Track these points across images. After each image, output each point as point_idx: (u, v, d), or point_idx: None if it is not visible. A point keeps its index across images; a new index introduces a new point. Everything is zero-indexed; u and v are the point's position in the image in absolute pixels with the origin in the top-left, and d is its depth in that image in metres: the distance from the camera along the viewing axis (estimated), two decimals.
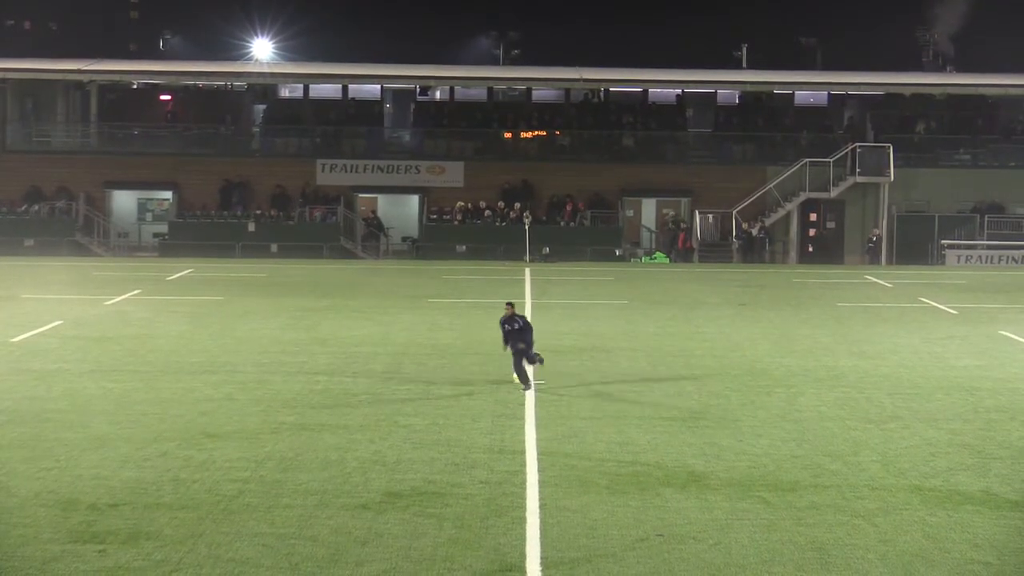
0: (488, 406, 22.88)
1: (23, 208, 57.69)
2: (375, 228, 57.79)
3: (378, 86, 63.81)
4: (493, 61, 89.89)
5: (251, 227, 56.87)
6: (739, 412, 22.69)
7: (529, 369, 24.94)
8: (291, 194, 58.38)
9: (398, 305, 38.12)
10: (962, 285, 46.64)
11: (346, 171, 59.20)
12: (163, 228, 58.09)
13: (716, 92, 64.70)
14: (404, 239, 58.52)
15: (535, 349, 25.08)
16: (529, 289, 43.28)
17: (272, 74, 63.26)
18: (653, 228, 59.79)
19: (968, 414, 22.86)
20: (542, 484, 17.48)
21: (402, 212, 59.25)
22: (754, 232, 57.54)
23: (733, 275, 50.02)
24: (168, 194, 59.48)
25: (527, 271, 49.91)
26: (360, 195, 59.49)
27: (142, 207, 60.10)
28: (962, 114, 63.19)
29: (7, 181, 58.29)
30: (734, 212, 57.43)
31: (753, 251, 57.37)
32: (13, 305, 37.00)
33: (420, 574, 13.84)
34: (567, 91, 64.25)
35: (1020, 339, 32.31)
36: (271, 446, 19.59)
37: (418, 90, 64.75)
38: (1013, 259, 57.07)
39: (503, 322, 24.95)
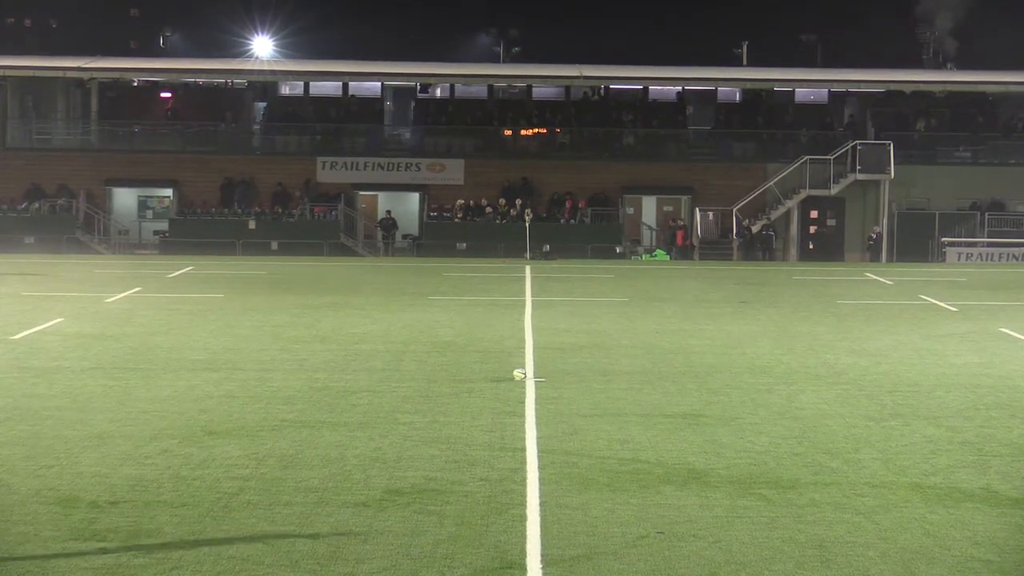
0: (488, 403, 22.88)
1: (23, 206, 57.75)
2: (388, 229, 57.83)
3: (379, 83, 63.84)
4: (493, 59, 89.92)
5: (252, 224, 56.92)
6: (739, 409, 22.69)
7: None
8: (291, 191, 58.42)
9: (398, 302, 38.12)
10: (962, 282, 46.64)
11: (347, 169, 59.26)
12: (164, 226, 58.16)
13: (716, 89, 64.73)
14: (404, 236, 58.58)
15: None
16: (529, 287, 43.29)
17: (272, 71, 63.28)
18: (653, 225, 59.82)
19: (968, 411, 22.85)
20: (542, 481, 17.47)
21: (403, 209, 59.29)
22: (754, 229, 57.55)
23: (733, 272, 50.02)
24: (168, 191, 59.56)
25: (527, 268, 49.92)
26: (361, 193, 59.54)
27: (142, 204, 60.17)
28: (962, 111, 63.21)
29: (7, 179, 58.34)
30: (734, 209, 57.45)
31: (756, 248, 57.38)
32: (13, 302, 37.01)
33: (420, 571, 13.84)
34: (567, 88, 64.28)
35: (1020, 336, 32.31)
36: (271, 443, 19.59)
37: (419, 87, 64.75)
38: (1014, 256, 57.11)
39: None
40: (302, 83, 64.75)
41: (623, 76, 64.36)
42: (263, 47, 78.61)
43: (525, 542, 14.84)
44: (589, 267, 51.76)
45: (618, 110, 63.46)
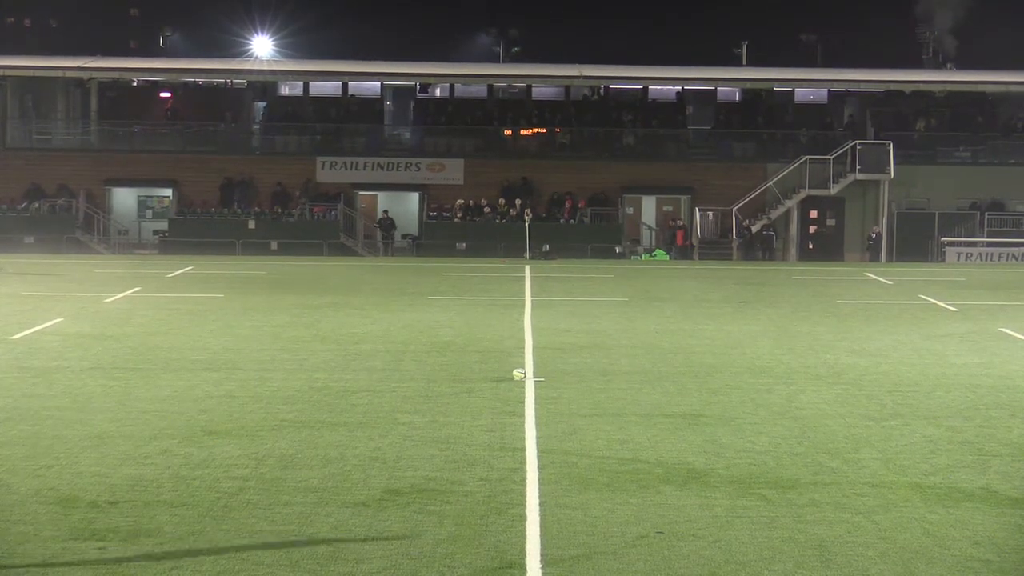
0: (488, 403, 22.88)
1: (23, 205, 57.72)
2: (386, 228, 57.81)
3: (378, 83, 63.83)
4: (493, 58, 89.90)
5: (251, 224, 56.91)
6: (739, 409, 22.69)
7: None
8: (291, 191, 58.40)
9: (398, 302, 38.12)
10: (962, 282, 46.64)
11: (346, 168, 59.24)
12: (163, 225, 58.14)
13: (716, 89, 64.71)
14: (404, 236, 58.57)
15: None
16: (529, 286, 43.28)
17: (272, 71, 63.25)
18: (653, 225, 59.82)
19: (968, 411, 22.86)
20: (542, 481, 17.48)
21: (402, 209, 59.27)
22: (754, 229, 57.53)
23: (733, 273, 50.02)
24: (168, 191, 59.55)
25: (527, 268, 49.91)
26: (360, 192, 59.52)
27: (142, 204, 60.16)
28: (962, 111, 63.20)
29: (7, 179, 58.33)
30: (734, 209, 57.44)
31: (756, 248, 57.35)
32: (13, 302, 37.01)
33: (420, 571, 13.84)
34: (567, 88, 64.27)
35: (1020, 336, 32.30)
36: (271, 443, 19.60)
37: (418, 87, 64.74)
38: (1013, 256, 57.09)
39: None
40: (302, 83, 64.74)
41: (623, 76, 64.34)
42: (263, 47, 78.56)
43: (525, 542, 14.85)
44: (589, 267, 51.75)
45: (618, 110, 63.45)
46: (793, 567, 14.15)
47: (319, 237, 56.71)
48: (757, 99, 64.59)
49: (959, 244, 57.61)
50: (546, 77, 63.56)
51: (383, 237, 57.83)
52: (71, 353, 28.14)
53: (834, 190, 57.92)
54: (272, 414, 21.82)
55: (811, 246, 58.51)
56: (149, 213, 59.95)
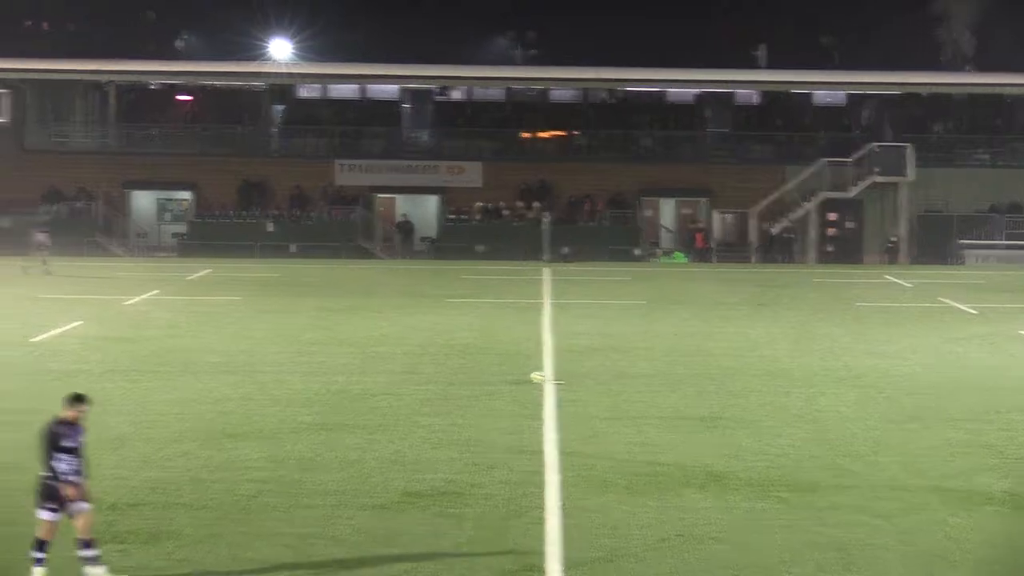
0: (508, 406, 22.88)
1: (42, 208, 57.79)
2: (405, 232, 57.82)
3: (396, 86, 63.87)
4: (511, 61, 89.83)
5: (270, 227, 56.96)
6: (758, 412, 22.65)
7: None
8: (309, 194, 58.43)
9: (417, 305, 38.12)
10: (981, 285, 46.51)
11: (364, 171, 59.25)
12: (182, 228, 58.23)
13: (735, 92, 64.60)
14: (423, 239, 58.56)
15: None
16: (548, 289, 43.26)
17: (290, 74, 63.25)
18: (671, 228, 59.73)
19: (988, 414, 22.79)
20: (562, 484, 17.47)
21: (421, 212, 59.28)
22: (773, 232, 57.38)
23: (751, 275, 49.94)
24: (187, 194, 59.63)
25: (545, 271, 49.87)
26: (379, 195, 59.53)
27: (161, 207, 60.25)
28: (981, 113, 63.01)
29: (26, 181, 58.39)
30: (754, 212, 57.32)
31: (775, 251, 57.16)
32: (33, 305, 37.10)
33: (440, 574, 13.85)
34: (585, 91, 64.24)
35: None
36: (290, 446, 19.62)
37: (436, 90, 64.76)
38: None
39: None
40: (320, 86, 64.81)
41: (641, 79, 64.23)
42: (281, 50, 78.51)
43: (545, 545, 14.85)
44: (607, 270, 51.68)
45: (636, 112, 63.39)
46: (814, 570, 14.13)
47: (337, 240, 56.72)
48: (775, 102, 64.51)
49: (978, 247, 57.42)
50: (564, 80, 63.55)
51: (401, 240, 57.85)
52: (91, 356, 28.21)
53: (853, 192, 57.78)
54: (291, 417, 21.84)
55: (830, 249, 58.38)
56: (168, 216, 60.05)
